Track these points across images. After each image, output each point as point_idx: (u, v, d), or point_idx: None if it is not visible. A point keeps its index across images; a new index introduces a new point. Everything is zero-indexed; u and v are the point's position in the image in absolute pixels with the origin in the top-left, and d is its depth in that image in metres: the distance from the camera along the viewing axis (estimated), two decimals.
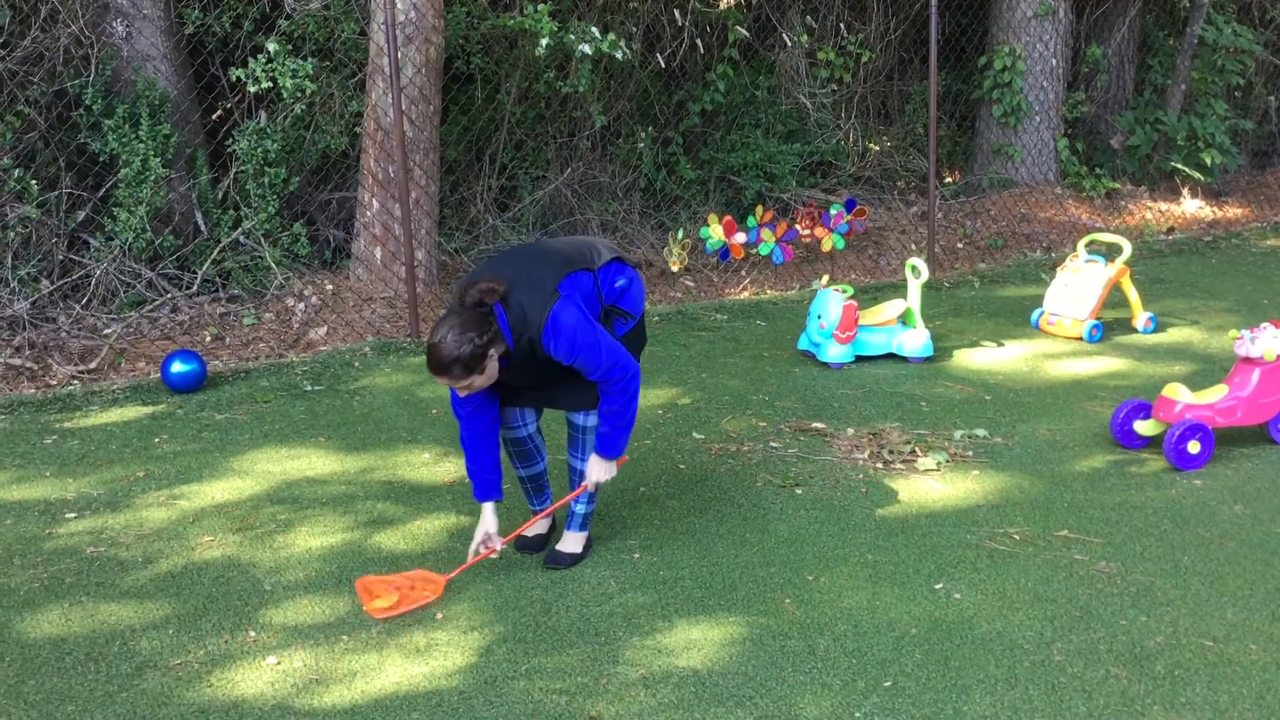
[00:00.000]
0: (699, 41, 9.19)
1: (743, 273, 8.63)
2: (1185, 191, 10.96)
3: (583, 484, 4.07)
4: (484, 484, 4.00)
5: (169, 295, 7.34)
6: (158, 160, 7.20)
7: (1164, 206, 10.70)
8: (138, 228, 7.20)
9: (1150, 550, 4.23)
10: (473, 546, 4.03)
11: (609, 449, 3.98)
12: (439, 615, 3.86)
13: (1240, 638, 3.64)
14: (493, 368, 3.68)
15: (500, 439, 4.10)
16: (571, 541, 4.24)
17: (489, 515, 4.01)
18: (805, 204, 9.17)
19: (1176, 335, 6.96)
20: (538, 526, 4.34)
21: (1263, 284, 8.16)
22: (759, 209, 8.55)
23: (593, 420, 4.05)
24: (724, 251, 8.38)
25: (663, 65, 9.17)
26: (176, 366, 6.09)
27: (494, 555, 4.08)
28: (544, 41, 7.24)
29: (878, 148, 10.77)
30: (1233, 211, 10.83)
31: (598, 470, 4.01)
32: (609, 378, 3.82)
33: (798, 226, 8.61)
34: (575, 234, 8.87)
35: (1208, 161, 10.70)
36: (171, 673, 3.56)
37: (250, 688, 3.47)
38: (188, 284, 7.46)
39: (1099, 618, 3.77)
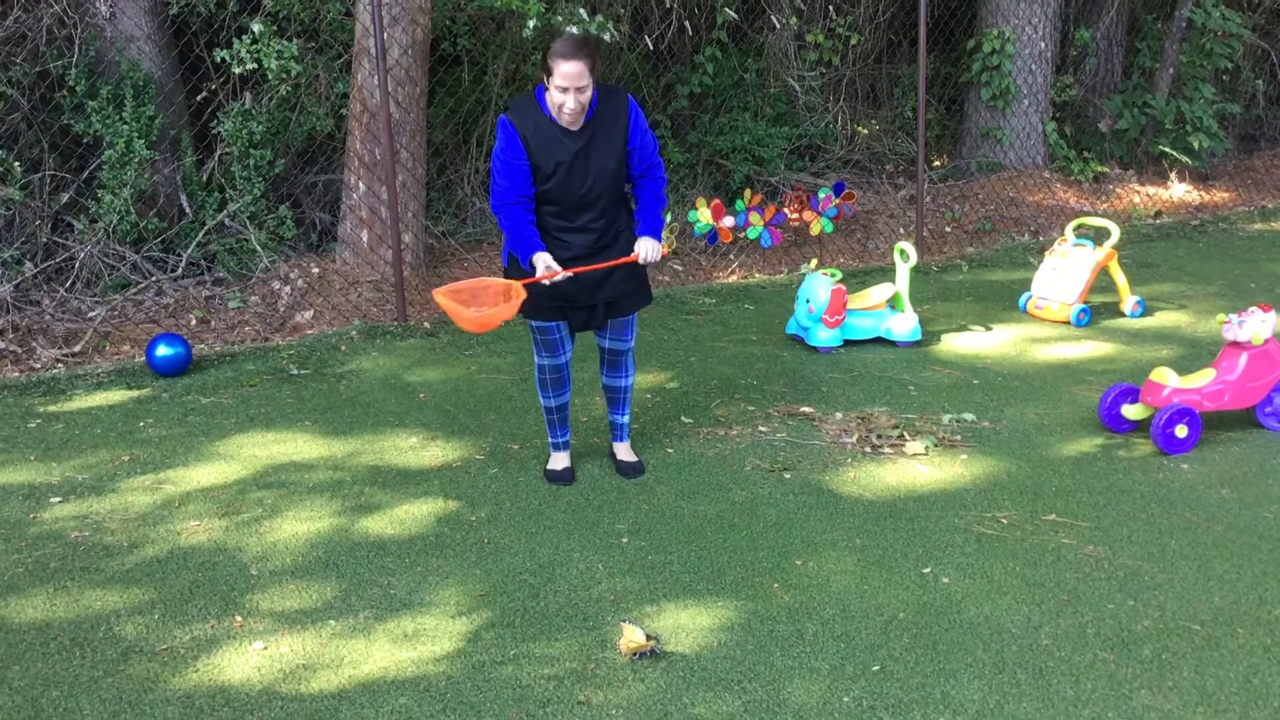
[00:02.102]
0: (687, 23, 9.15)
1: (731, 256, 8.61)
2: (1173, 175, 10.97)
3: (634, 254, 4.37)
4: (534, 241, 4.27)
5: (154, 278, 7.30)
6: (142, 142, 7.15)
7: (1152, 190, 10.71)
8: (122, 210, 7.15)
9: (1137, 534, 4.24)
10: (538, 271, 4.22)
11: (658, 231, 4.42)
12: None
13: (1227, 621, 3.65)
14: (591, 89, 4.11)
15: (545, 366, 4.62)
16: (629, 451, 4.87)
17: (546, 255, 4.25)
18: (794, 187, 9.16)
19: (1164, 319, 6.97)
20: (565, 461, 4.79)
21: (1250, 268, 8.17)
22: (747, 192, 8.53)
23: (632, 343, 4.69)
24: (712, 235, 8.36)
25: (651, 47, 9.13)
26: (161, 350, 6.06)
27: (558, 277, 4.25)
28: (531, 23, 7.20)
29: (866, 131, 10.76)
30: (1220, 195, 10.85)
31: (651, 249, 4.38)
32: (658, 159, 4.45)
33: (786, 210, 8.58)
34: None
35: (1195, 145, 10.71)
36: (157, 658, 3.54)
37: (237, 673, 3.46)
38: (172, 267, 7.42)
39: (1086, 602, 3.78)
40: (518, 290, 4.24)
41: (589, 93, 4.13)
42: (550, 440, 4.83)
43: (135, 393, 5.89)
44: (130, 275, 7.27)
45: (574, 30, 3.99)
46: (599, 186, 4.32)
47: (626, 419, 4.85)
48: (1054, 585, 3.89)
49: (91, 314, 6.92)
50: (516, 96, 4.37)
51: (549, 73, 4.09)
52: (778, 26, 9.83)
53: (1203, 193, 10.86)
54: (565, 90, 4.08)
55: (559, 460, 4.82)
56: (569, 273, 4.25)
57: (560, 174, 4.24)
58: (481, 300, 4.32)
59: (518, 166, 4.22)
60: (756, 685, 3.36)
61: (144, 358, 6.23)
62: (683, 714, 3.23)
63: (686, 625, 3.68)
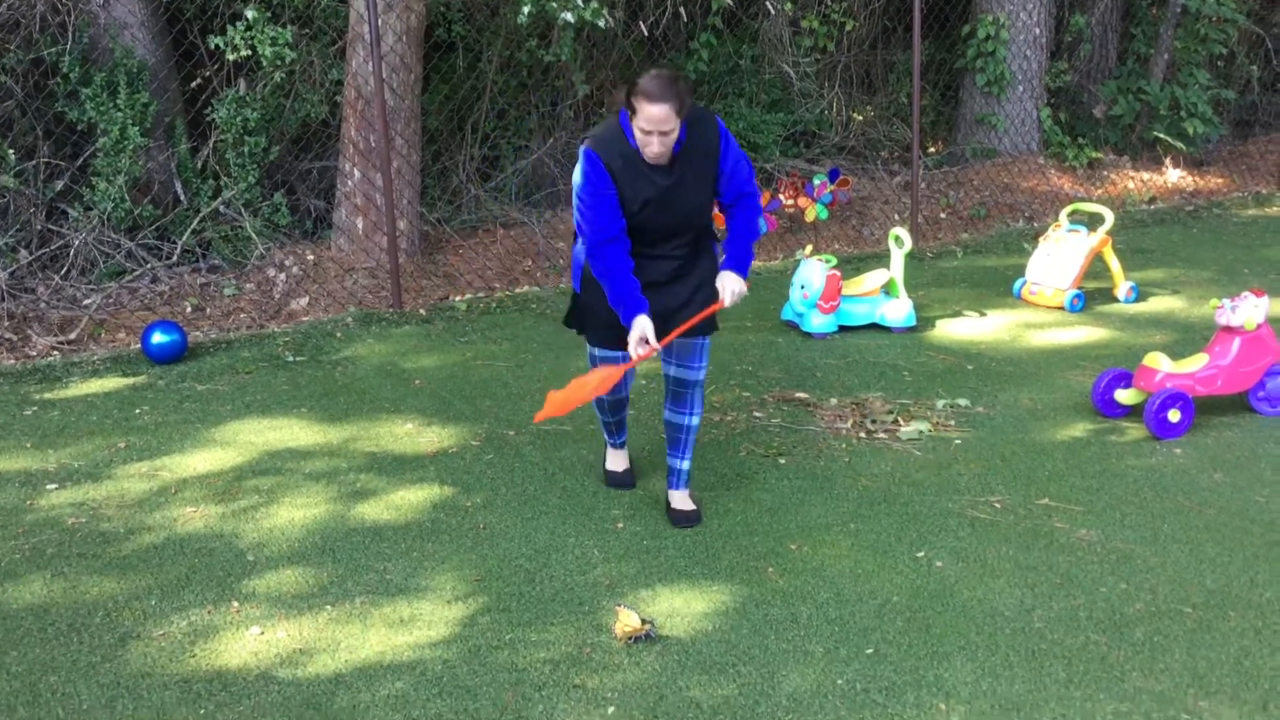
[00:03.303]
0: (682, 9, 9.14)
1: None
2: (1167, 161, 10.97)
3: (719, 300, 3.98)
4: (635, 300, 3.90)
5: (149, 265, 7.30)
6: (136, 129, 7.14)
7: (1146, 176, 10.72)
8: (117, 197, 7.15)
9: (1130, 518, 4.25)
10: (633, 352, 3.87)
11: (745, 267, 4.05)
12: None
13: (1219, 604, 3.67)
14: (677, 131, 3.77)
15: (607, 402, 4.34)
16: (686, 499, 4.35)
17: (644, 321, 3.88)
18: (789, 174, 9.16)
19: (1158, 304, 6.98)
20: (624, 462, 4.61)
21: (1244, 253, 8.18)
22: None
23: (702, 374, 4.22)
24: None
25: (646, 33, 9.11)
26: (157, 337, 6.06)
27: (654, 355, 3.98)
28: (526, 9, 7.19)
29: (861, 117, 10.75)
30: (1214, 181, 10.86)
31: (736, 287, 3.99)
32: (752, 189, 4.03)
33: (781, 196, 8.59)
34: (559, 204, 8.83)
35: (1190, 131, 10.71)
36: (155, 643, 3.55)
37: (234, 658, 3.47)
38: (168, 254, 7.41)
39: (1079, 585, 3.80)
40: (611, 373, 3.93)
41: (675, 135, 3.78)
42: (608, 441, 4.61)
43: (131, 380, 5.90)
44: (125, 263, 7.26)
45: (665, 73, 3.71)
46: (686, 220, 4.00)
47: (687, 464, 4.33)
48: (1047, 569, 3.91)
49: (87, 301, 6.92)
50: (599, 125, 3.91)
51: (633, 111, 3.74)
52: (773, 12, 9.82)
53: (1197, 178, 10.87)
54: (650, 134, 3.74)
55: (617, 459, 4.61)
56: (659, 346, 3.88)
57: (648, 211, 3.90)
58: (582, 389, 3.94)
59: (607, 198, 3.85)
60: (751, 669, 3.38)
61: (139, 345, 6.23)
62: (678, 697, 3.25)
63: (681, 609, 3.69)
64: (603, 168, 3.83)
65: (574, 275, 4.20)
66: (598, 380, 3.90)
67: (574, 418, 5.29)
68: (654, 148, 3.77)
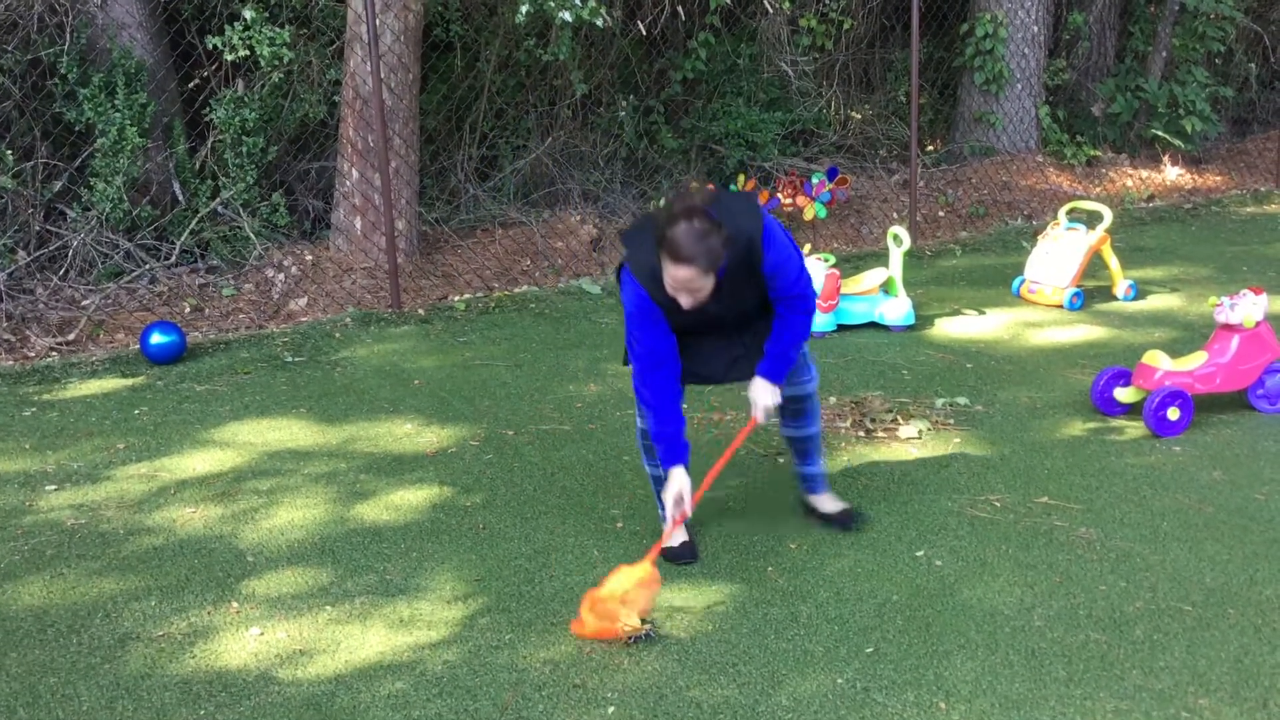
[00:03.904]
0: (680, 8, 9.14)
1: None
2: (1166, 159, 10.98)
3: (752, 418, 3.80)
4: (678, 446, 3.70)
5: (147, 266, 7.30)
6: (134, 129, 7.14)
7: (1145, 174, 10.72)
8: (115, 198, 7.14)
9: (1129, 516, 4.25)
10: (669, 512, 3.72)
11: (781, 373, 3.79)
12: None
13: (1218, 603, 3.67)
14: (708, 289, 3.48)
15: (646, 434, 3.93)
16: (834, 500, 4.22)
17: (682, 476, 3.67)
18: (787, 173, 9.16)
19: (1157, 302, 6.99)
20: (684, 534, 4.03)
21: (1242, 251, 8.19)
22: (741, 178, 8.53)
23: (813, 385, 4.00)
24: None
25: (644, 33, 9.11)
26: (156, 338, 6.06)
27: (688, 518, 3.79)
28: (524, 8, 7.19)
29: (859, 116, 10.75)
30: (1213, 179, 10.86)
31: (767, 395, 3.77)
32: (799, 291, 3.69)
33: (780, 195, 8.59)
34: (558, 204, 8.84)
35: (1188, 129, 10.72)
36: (154, 644, 3.55)
37: (234, 659, 3.47)
38: (166, 255, 7.41)
39: (1079, 583, 3.80)
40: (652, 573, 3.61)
41: (705, 292, 3.47)
42: (661, 514, 4.08)
43: (130, 381, 5.90)
44: (124, 263, 7.26)
45: (693, 225, 3.34)
46: (741, 321, 3.78)
47: (819, 469, 4.18)
48: (1046, 567, 3.91)
49: (85, 302, 6.92)
50: (641, 249, 3.56)
51: (660, 259, 3.43)
52: (770, 11, 9.82)
53: (1195, 176, 10.88)
54: (675, 289, 3.46)
55: (676, 534, 4.02)
56: (689, 512, 3.71)
57: (696, 325, 3.70)
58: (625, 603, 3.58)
59: (656, 321, 3.60)
60: (751, 668, 3.38)
61: (138, 345, 6.23)
62: (678, 697, 3.24)
63: (681, 609, 3.69)
64: (645, 295, 3.57)
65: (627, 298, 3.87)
66: (639, 585, 3.56)
67: (572, 417, 5.29)
68: (683, 301, 3.49)
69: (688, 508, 3.70)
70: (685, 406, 5.36)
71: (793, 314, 3.73)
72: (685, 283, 3.41)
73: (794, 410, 4.06)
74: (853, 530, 4.15)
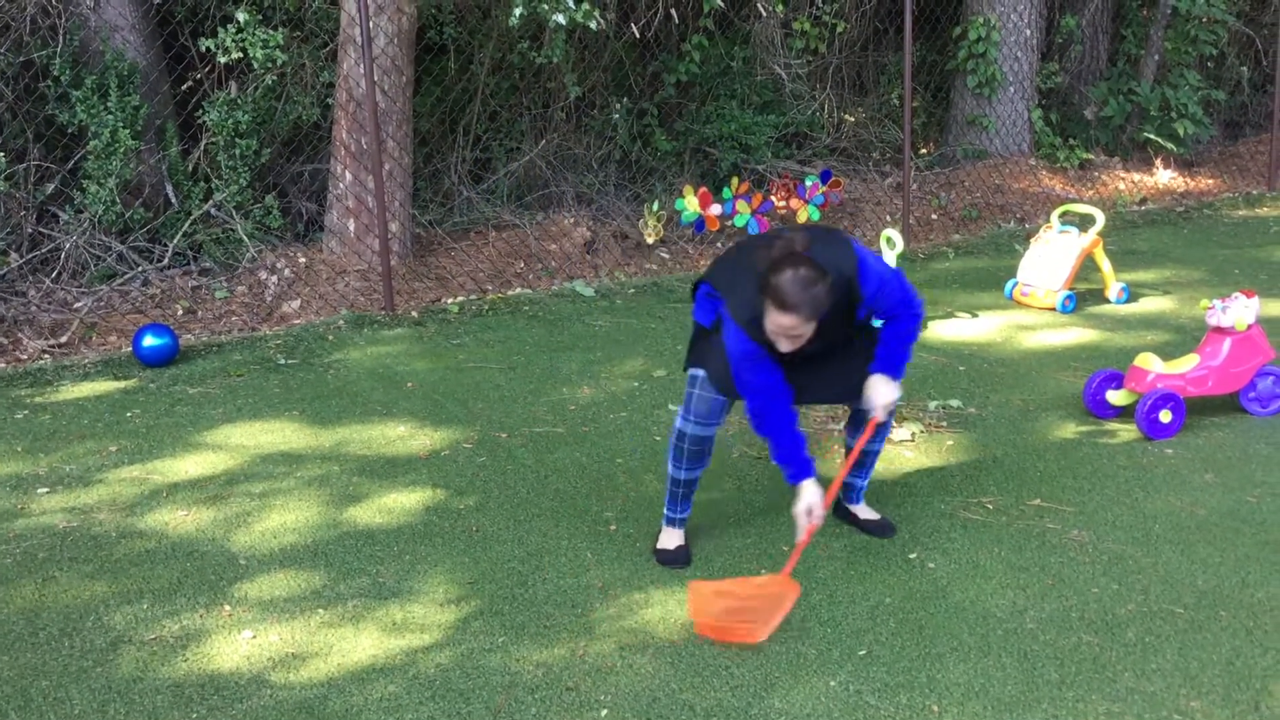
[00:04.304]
0: (673, 11, 9.15)
1: (718, 245, 8.62)
2: (1158, 162, 11.00)
3: (872, 419, 3.79)
4: (803, 461, 3.68)
5: (140, 268, 7.29)
6: (127, 132, 7.13)
7: (1137, 177, 10.74)
8: (107, 200, 7.14)
9: (1122, 519, 4.26)
10: (800, 524, 3.68)
11: (899, 369, 3.77)
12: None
13: (1210, 605, 3.67)
14: (810, 333, 3.50)
15: (687, 434, 3.91)
16: (870, 510, 4.25)
17: (813, 489, 3.66)
18: (780, 175, 9.17)
19: (1149, 305, 7.00)
20: (680, 539, 4.08)
21: (1234, 254, 8.21)
22: (734, 180, 8.54)
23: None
24: (699, 223, 8.37)
25: (637, 35, 9.12)
26: (148, 340, 6.05)
27: (818, 528, 3.75)
28: (517, 11, 7.19)
29: (853, 119, 10.77)
30: (1205, 182, 10.89)
31: (886, 395, 3.74)
32: (905, 299, 3.72)
33: (773, 198, 8.60)
34: (551, 206, 8.84)
35: (1180, 132, 10.75)
36: (146, 647, 3.55)
37: (226, 662, 3.46)
38: (159, 257, 7.40)
39: (1071, 585, 3.80)
40: (788, 587, 3.60)
41: (806, 338, 3.49)
42: (666, 514, 4.09)
43: (122, 383, 5.89)
44: (116, 265, 7.25)
45: (799, 274, 3.37)
46: (827, 352, 3.77)
47: (866, 481, 4.25)
48: (1039, 570, 3.91)
49: (78, 304, 6.91)
50: (739, 293, 3.59)
51: (764, 305, 3.44)
52: (764, 14, 9.83)
53: (1187, 179, 10.90)
54: (777, 336, 3.48)
55: (671, 537, 4.08)
56: (820, 521, 3.66)
57: (798, 358, 3.69)
58: (744, 607, 3.58)
59: (764, 361, 3.60)
60: (744, 671, 3.38)
61: (130, 348, 6.22)
62: (671, 700, 3.24)
63: (675, 611, 3.69)
64: (748, 337, 3.57)
65: (703, 312, 3.87)
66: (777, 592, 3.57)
67: (566, 419, 5.29)
68: (783, 347, 3.51)
69: (818, 519, 3.67)
70: (676, 408, 5.38)
71: (900, 323, 3.76)
72: (787, 330, 3.43)
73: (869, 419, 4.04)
74: (889, 538, 4.16)
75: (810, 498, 3.65)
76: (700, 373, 3.86)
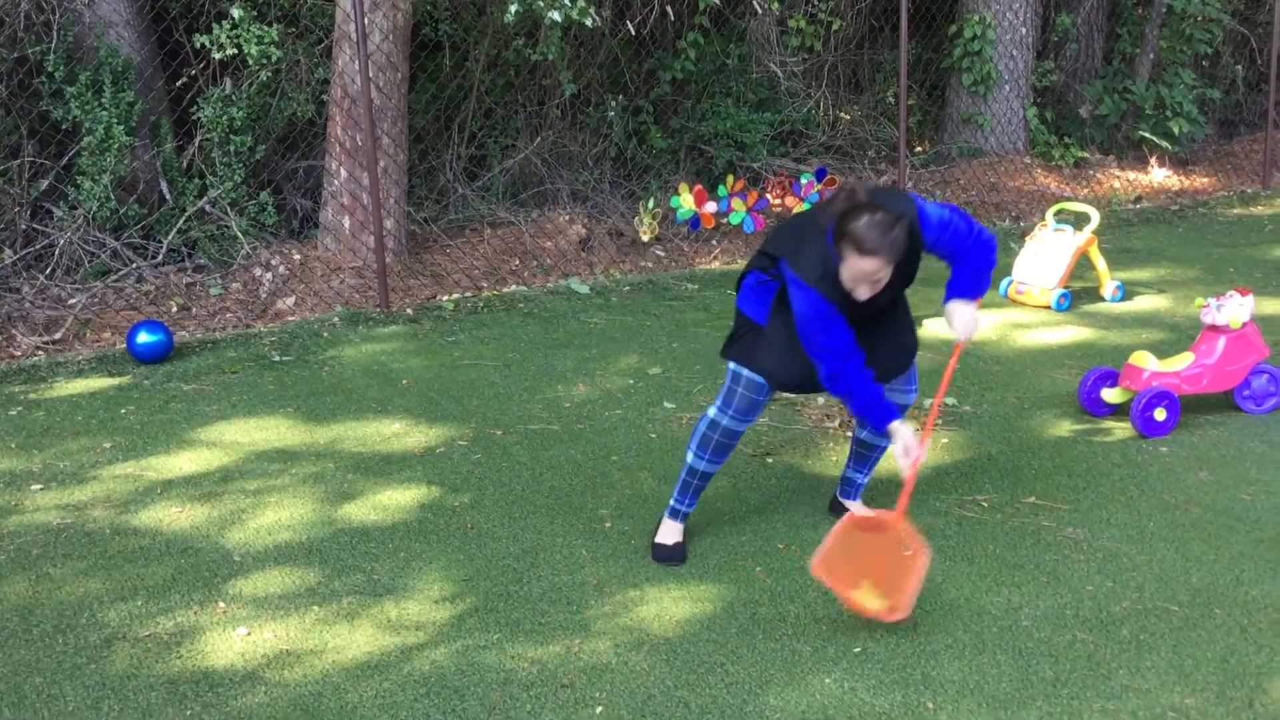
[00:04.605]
0: (669, 9, 9.14)
1: (714, 242, 8.62)
2: (1153, 161, 11.02)
3: (959, 344, 3.76)
4: (887, 406, 3.65)
5: (134, 265, 7.27)
6: (121, 128, 7.11)
7: (1132, 176, 10.75)
8: (102, 196, 7.12)
9: (1116, 516, 4.27)
10: (904, 465, 3.65)
11: (978, 290, 3.77)
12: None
13: (1204, 603, 3.68)
14: (889, 275, 3.51)
15: (721, 426, 3.89)
16: (865, 508, 4.23)
17: (904, 427, 3.64)
18: (776, 173, 9.16)
19: (1143, 304, 7.01)
20: (679, 534, 4.06)
21: (1229, 252, 8.22)
22: (730, 178, 8.54)
23: (915, 397, 4.03)
24: (695, 221, 8.36)
25: (633, 33, 9.11)
26: (142, 337, 6.04)
27: (923, 460, 3.71)
28: (513, 8, 7.18)
29: (848, 117, 10.77)
30: (1200, 180, 10.90)
31: (968, 319, 3.72)
32: (972, 228, 3.72)
33: (769, 196, 8.60)
34: (546, 203, 8.83)
35: (1175, 131, 10.76)
36: (140, 644, 3.54)
37: (220, 659, 3.46)
38: (153, 253, 7.39)
39: (1065, 583, 3.81)
40: (909, 535, 3.61)
41: (885, 281, 3.52)
42: (672, 504, 4.06)
43: (116, 380, 5.87)
44: (110, 262, 7.24)
45: (876, 218, 3.36)
46: (893, 299, 3.80)
47: (867, 478, 4.26)
48: (1034, 567, 3.92)
49: (72, 301, 6.89)
50: (805, 255, 3.58)
51: (840, 254, 3.46)
52: (760, 12, 9.82)
53: (1182, 178, 10.92)
54: (858, 282, 3.49)
55: (671, 532, 4.06)
56: (923, 455, 3.64)
57: (859, 315, 3.67)
58: (866, 563, 3.60)
59: (835, 315, 3.56)
60: (739, 668, 3.38)
61: (125, 345, 6.21)
62: (666, 697, 3.24)
63: (670, 609, 3.69)
64: (825, 301, 3.53)
65: (751, 304, 3.84)
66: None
67: (561, 417, 5.29)
68: (862, 294, 3.51)
69: (918, 454, 3.63)
70: (671, 406, 5.37)
71: (977, 254, 3.74)
72: (870, 274, 3.44)
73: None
74: None
75: (905, 437, 3.63)
76: (744, 371, 3.83)
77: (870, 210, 3.40)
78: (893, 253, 3.41)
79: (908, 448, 3.63)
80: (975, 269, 3.75)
